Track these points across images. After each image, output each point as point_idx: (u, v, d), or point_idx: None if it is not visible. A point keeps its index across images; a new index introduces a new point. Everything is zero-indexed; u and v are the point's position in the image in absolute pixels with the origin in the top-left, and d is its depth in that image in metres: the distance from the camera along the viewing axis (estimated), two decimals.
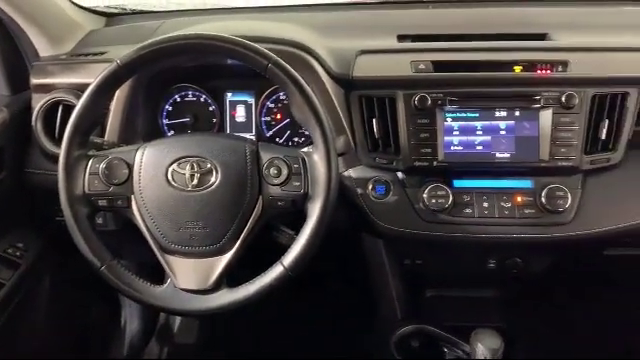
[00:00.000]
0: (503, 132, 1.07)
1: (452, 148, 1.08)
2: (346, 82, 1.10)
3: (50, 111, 1.15)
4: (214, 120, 1.25)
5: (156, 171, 0.93)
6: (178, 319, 1.76)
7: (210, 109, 1.25)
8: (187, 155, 0.93)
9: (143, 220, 0.94)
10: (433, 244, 1.11)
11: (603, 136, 1.06)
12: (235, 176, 0.92)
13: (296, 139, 1.25)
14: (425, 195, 1.07)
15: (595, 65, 1.08)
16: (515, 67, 1.09)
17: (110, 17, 1.48)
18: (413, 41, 1.21)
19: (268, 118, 1.25)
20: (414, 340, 1.26)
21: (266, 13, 1.44)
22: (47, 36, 1.23)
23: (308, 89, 0.91)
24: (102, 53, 1.21)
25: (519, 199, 1.07)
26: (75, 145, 0.94)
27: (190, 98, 1.25)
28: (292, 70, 0.91)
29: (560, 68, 1.08)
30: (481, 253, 1.19)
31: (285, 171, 0.93)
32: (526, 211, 1.06)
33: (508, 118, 1.07)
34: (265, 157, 0.94)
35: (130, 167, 0.94)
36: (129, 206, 0.94)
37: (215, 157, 0.92)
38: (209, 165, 0.92)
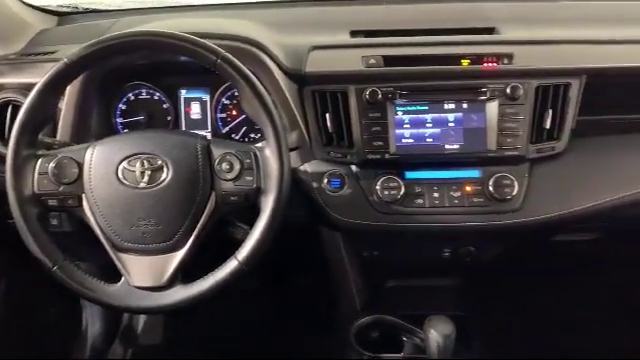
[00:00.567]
0: (452, 124, 1.10)
1: (403, 141, 1.10)
2: (299, 77, 1.11)
3: None
4: (169, 118, 1.25)
5: (106, 169, 0.93)
6: (142, 319, 1.75)
7: (164, 107, 1.25)
8: (137, 152, 0.93)
9: (95, 219, 0.93)
10: (387, 235, 1.13)
11: (547, 126, 1.10)
12: (186, 172, 0.92)
13: (252, 135, 1.26)
14: (378, 187, 1.09)
15: (539, 57, 1.11)
16: (463, 61, 1.12)
17: (62, 16, 1.46)
18: (366, 37, 1.23)
19: (224, 115, 1.25)
20: (373, 330, 1.28)
21: (221, 10, 1.44)
22: None
23: (258, 84, 0.92)
24: (52, 52, 1.20)
25: (468, 188, 1.10)
26: (23, 145, 0.93)
27: (144, 96, 1.25)
28: (241, 65, 0.92)
29: (505, 61, 1.11)
30: (435, 242, 1.22)
31: (237, 166, 0.94)
32: (475, 200, 1.09)
33: (456, 110, 1.10)
34: (217, 153, 0.94)
35: (80, 166, 0.94)
36: (80, 205, 0.94)
37: (166, 154, 0.93)
38: (160, 162, 0.92)
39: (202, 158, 0.93)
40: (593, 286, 1.60)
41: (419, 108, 1.11)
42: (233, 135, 1.25)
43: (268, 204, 0.92)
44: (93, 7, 1.51)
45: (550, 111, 1.10)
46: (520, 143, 1.09)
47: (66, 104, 1.11)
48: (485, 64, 1.11)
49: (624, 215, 1.16)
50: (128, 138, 0.97)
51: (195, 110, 1.25)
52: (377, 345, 1.28)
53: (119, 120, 1.25)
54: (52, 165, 0.93)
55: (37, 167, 0.93)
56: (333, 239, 1.24)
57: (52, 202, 0.94)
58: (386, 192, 1.08)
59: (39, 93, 0.92)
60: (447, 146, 1.10)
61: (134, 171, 0.92)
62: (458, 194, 1.10)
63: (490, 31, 1.24)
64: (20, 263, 1.32)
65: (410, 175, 1.11)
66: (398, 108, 1.10)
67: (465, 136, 1.10)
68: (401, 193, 1.08)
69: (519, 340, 1.52)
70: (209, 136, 1.25)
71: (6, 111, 1.13)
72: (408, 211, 1.09)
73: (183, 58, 0.98)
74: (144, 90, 1.24)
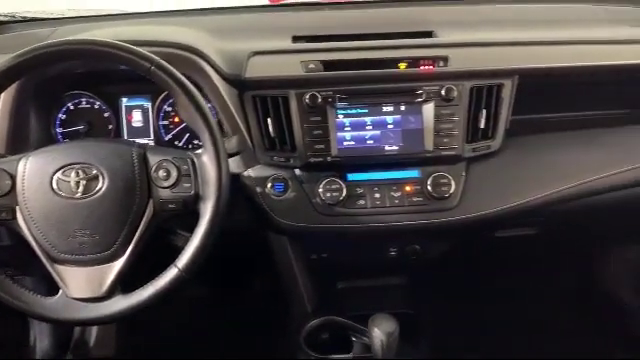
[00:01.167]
0: (391, 126, 1.12)
1: (345, 143, 1.12)
2: (239, 83, 1.11)
3: None
4: (110, 126, 1.24)
5: (40, 180, 0.91)
6: (94, 331, 1.72)
7: (105, 115, 1.24)
8: (72, 162, 0.92)
9: (30, 231, 0.92)
10: (331, 236, 1.15)
11: (482, 125, 1.13)
12: (122, 181, 0.92)
13: (196, 141, 1.25)
14: (320, 189, 1.10)
15: (473, 59, 1.15)
16: (400, 64, 1.14)
17: (0, 25, 1.43)
18: (308, 42, 1.25)
19: (166, 122, 1.25)
20: (324, 332, 1.29)
21: (162, 18, 1.43)
22: None
23: (193, 90, 0.93)
24: None
25: (408, 188, 1.12)
26: None
27: (84, 105, 1.23)
28: (176, 72, 0.92)
29: (441, 63, 1.14)
30: (381, 242, 1.25)
31: (174, 173, 0.94)
32: (414, 199, 1.11)
33: (395, 113, 1.12)
34: (153, 160, 0.94)
35: (13, 177, 0.92)
36: (14, 218, 0.92)
37: (101, 163, 0.92)
38: (95, 171, 0.91)
39: (138, 166, 0.93)
40: (538, 281, 1.65)
41: (359, 111, 1.12)
42: (176, 142, 1.25)
43: (207, 210, 0.93)
44: (31, 16, 1.47)
45: (484, 111, 1.13)
46: (456, 143, 1.12)
47: (0, 114, 1.09)
48: (422, 67, 1.14)
49: (560, 210, 1.20)
50: (62, 148, 0.95)
51: (137, 118, 1.24)
52: (328, 346, 1.29)
53: (59, 130, 1.23)
54: None
55: None
56: (280, 243, 1.24)
57: None
58: (328, 194, 1.10)
59: None
60: (387, 147, 1.12)
61: (69, 181, 0.91)
62: (398, 194, 1.12)
63: (428, 35, 1.27)
64: None
65: (352, 177, 1.13)
66: (339, 111, 1.12)
67: (404, 137, 1.12)
68: (343, 195, 1.10)
69: (468, 336, 1.55)
70: (152, 144, 1.24)
71: None
72: (350, 212, 1.11)
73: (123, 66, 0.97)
74: (84, 99, 1.23)
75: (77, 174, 0.91)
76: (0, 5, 1.49)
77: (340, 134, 1.12)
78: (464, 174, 1.13)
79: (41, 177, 0.91)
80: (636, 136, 1.25)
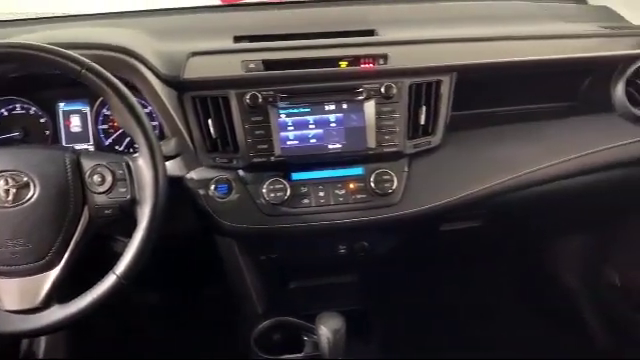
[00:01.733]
0: (333, 124, 1.13)
1: (288, 143, 1.12)
2: (177, 84, 1.10)
3: None
4: (47, 132, 1.20)
5: None
6: (43, 341, 1.67)
7: (42, 121, 1.20)
8: (1, 170, 0.88)
9: None
10: (276, 237, 1.15)
11: (422, 122, 1.15)
12: (55, 188, 0.89)
13: (137, 146, 1.23)
14: (264, 190, 1.10)
15: (411, 57, 1.16)
16: (341, 63, 1.15)
17: None
18: (249, 42, 1.24)
19: (105, 126, 1.22)
20: (275, 334, 1.28)
21: (101, 20, 1.40)
22: None
23: (126, 92, 0.91)
24: None
25: (351, 186, 1.13)
26: None
27: (19, 111, 1.19)
28: (107, 74, 0.90)
29: (381, 61, 1.15)
30: (329, 240, 1.25)
31: (109, 178, 0.92)
32: (358, 196, 1.12)
33: (337, 111, 1.13)
34: (87, 165, 0.92)
35: None
36: None
37: (32, 170, 0.89)
38: (25, 179, 0.88)
39: (71, 172, 0.90)
40: (486, 273, 1.69)
41: (301, 110, 1.12)
42: (117, 147, 1.22)
43: (144, 215, 0.91)
44: None
45: (424, 108, 1.15)
46: (398, 140, 1.13)
47: None
48: (362, 65, 1.15)
49: (502, 202, 1.23)
50: None
51: (75, 123, 1.21)
52: (280, 347, 1.29)
53: None
54: None
55: None
56: (228, 246, 1.23)
57: None
58: (272, 194, 1.10)
59: None
60: (330, 146, 1.13)
61: None
62: (342, 192, 1.12)
63: (370, 33, 1.28)
64: None
65: (296, 176, 1.13)
66: (281, 111, 1.12)
67: (346, 135, 1.13)
68: (288, 194, 1.10)
69: (419, 331, 1.57)
70: (92, 149, 1.21)
71: None
72: (295, 212, 1.11)
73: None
74: (18, 105, 1.19)
75: (6, 182, 0.88)
76: None
77: (283, 134, 1.11)
78: (406, 170, 1.15)
79: None
80: (573, 128, 1.29)
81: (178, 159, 1.10)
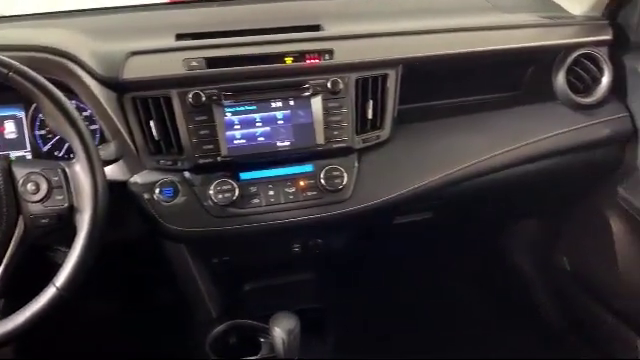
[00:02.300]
0: (281, 122, 1.11)
1: (235, 142, 1.09)
2: (116, 85, 1.05)
3: None
4: None
5: None
6: None
7: None
8: None
9: None
10: (226, 239, 1.12)
11: (370, 116, 1.14)
12: None
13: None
14: (212, 191, 1.07)
15: (357, 51, 1.15)
16: (286, 58, 1.13)
17: None
18: (192, 39, 1.20)
19: (43, 131, 1.16)
20: (231, 337, 1.26)
21: (39, 20, 1.33)
22: None
23: (58, 95, 0.87)
24: None
25: (302, 183, 1.11)
26: None
27: None
28: (38, 77, 0.86)
29: (327, 56, 1.14)
30: (282, 239, 1.23)
31: (44, 186, 0.87)
32: (309, 194, 1.11)
33: (284, 108, 1.11)
34: (20, 173, 0.87)
35: None
36: None
37: None
38: None
39: (3, 181, 0.86)
40: (442, 263, 1.71)
41: (247, 108, 1.10)
42: (56, 153, 1.16)
43: (84, 223, 0.87)
44: None
45: (371, 102, 1.14)
46: (346, 135, 1.12)
47: None
48: (307, 61, 1.13)
49: (453, 192, 1.24)
50: None
51: (10, 129, 1.14)
52: (236, 350, 1.26)
53: None
54: None
55: None
56: (177, 250, 1.20)
57: None
58: (220, 196, 1.07)
59: None
60: (279, 143, 1.11)
61: None
62: (292, 190, 1.11)
63: (316, 28, 1.26)
64: None
65: (245, 176, 1.11)
66: (226, 109, 1.09)
67: (295, 132, 1.11)
68: (236, 195, 1.07)
69: (376, 326, 1.58)
70: (29, 156, 1.15)
71: None
72: (244, 212, 1.09)
73: None
74: None
75: None
76: None
77: (229, 133, 1.09)
78: (356, 165, 1.14)
79: None
80: (518, 118, 1.31)
81: (120, 163, 1.07)
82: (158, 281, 1.37)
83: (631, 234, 1.35)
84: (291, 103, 1.11)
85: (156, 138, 1.06)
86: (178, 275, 1.24)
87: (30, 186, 0.87)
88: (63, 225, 0.88)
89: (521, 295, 1.78)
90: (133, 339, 1.53)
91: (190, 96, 1.05)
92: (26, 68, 0.85)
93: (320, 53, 1.14)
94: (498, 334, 1.63)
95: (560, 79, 1.29)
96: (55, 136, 1.16)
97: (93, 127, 1.16)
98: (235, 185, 1.08)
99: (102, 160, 0.93)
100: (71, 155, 1.16)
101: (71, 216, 0.88)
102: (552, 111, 1.31)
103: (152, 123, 1.06)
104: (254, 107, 1.10)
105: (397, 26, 1.26)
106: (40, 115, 1.15)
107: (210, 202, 1.07)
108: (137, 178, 1.07)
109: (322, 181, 1.10)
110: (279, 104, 1.11)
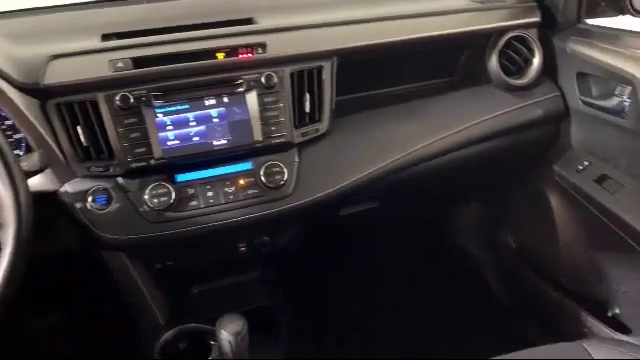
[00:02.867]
0: (216, 120, 1.08)
1: (169, 143, 1.06)
2: (37, 92, 1.00)
3: None
4: None
5: None
6: None
7: None
8: None
9: None
10: (167, 244, 1.09)
11: (308, 109, 1.13)
12: None
13: None
14: (147, 196, 1.04)
15: (290, 44, 1.13)
16: (218, 54, 1.10)
17: None
18: (118, 39, 1.16)
19: None
20: (181, 342, 1.23)
21: None
22: None
23: None
24: None
25: (241, 182, 1.09)
26: None
27: None
28: None
29: (260, 50, 1.12)
30: (228, 240, 1.21)
31: None
32: (249, 192, 1.09)
33: (218, 105, 1.08)
34: None
35: None
36: None
37: None
38: None
39: None
40: (392, 251, 1.72)
41: (180, 107, 1.07)
42: None
43: (8, 239, 0.82)
44: None
45: (308, 95, 1.13)
46: (284, 130, 1.11)
47: None
48: (240, 55, 1.11)
49: (395, 180, 1.24)
50: None
51: None
52: (187, 355, 1.24)
53: None
54: None
55: None
56: (118, 258, 1.15)
57: None
58: (156, 200, 1.04)
59: None
60: (215, 142, 1.08)
61: None
62: (232, 189, 1.09)
63: (248, 22, 1.23)
64: None
65: (181, 178, 1.07)
66: (157, 110, 1.05)
67: (231, 130, 1.09)
68: (173, 198, 1.04)
69: (329, 321, 1.57)
70: None
71: None
72: (183, 215, 1.06)
73: None
74: None
75: None
76: None
77: (162, 134, 1.05)
78: (296, 160, 1.13)
79: None
80: (455, 103, 1.32)
81: (47, 172, 1.01)
82: (102, 290, 1.32)
83: (568, 209, 1.39)
84: (225, 100, 1.09)
85: (84, 144, 1.02)
86: (121, 283, 1.20)
87: None
88: None
89: (470, 277, 1.82)
90: (81, 351, 1.47)
91: (117, 98, 1.01)
92: None
93: (253, 47, 1.11)
94: (449, 317, 1.66)
95: (493, 62, 1.31)
96: None
97: (18, 136, 1.09)
98: (171, 188, 1.04)
99: (25, 171, 0.88)
100: None
101: None
102: (487, 94, 1.33)
103: (79, 129, 1.01)
104: (187, 106, 1.07)
105: (331, 17, 1.25)
106: None
107: (146, 207, 1.04)
108: (67, 187, 1.03)
109: (262, 178, 1.09)
110: (213, 102, 1.08)
